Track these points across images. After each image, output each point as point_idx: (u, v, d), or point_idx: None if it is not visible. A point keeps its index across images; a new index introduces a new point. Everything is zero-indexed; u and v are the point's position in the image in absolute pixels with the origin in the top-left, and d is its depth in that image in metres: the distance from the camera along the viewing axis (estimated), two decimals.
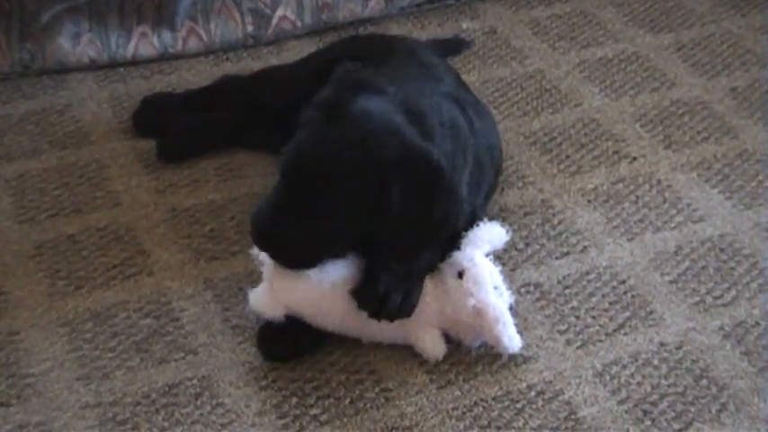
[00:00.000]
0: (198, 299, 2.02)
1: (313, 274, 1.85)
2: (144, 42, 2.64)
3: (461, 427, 1.80)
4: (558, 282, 2.06)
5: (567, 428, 1.79)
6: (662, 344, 1.94)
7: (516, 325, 1.88)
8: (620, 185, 2.29)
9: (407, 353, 1.90)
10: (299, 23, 2.75)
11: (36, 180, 2.31)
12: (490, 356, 1.90)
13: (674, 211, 2.22)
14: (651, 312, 2.00)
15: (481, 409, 1.82)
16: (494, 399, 1.84)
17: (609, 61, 2.67)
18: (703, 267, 2.09)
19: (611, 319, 1.99)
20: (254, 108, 2.34)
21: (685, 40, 2.75)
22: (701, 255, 2.12)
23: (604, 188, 2.28)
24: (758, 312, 2.00)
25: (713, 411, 1.82)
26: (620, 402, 1.83)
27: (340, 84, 1.88)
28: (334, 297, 1.86)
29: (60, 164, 2.35)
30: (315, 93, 2.00)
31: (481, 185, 2.03)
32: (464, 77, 2.38)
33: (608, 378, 1.88)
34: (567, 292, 2.04)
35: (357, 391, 1.85)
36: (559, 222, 2.19)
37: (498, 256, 1.99)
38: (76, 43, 2.60)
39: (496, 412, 1.82)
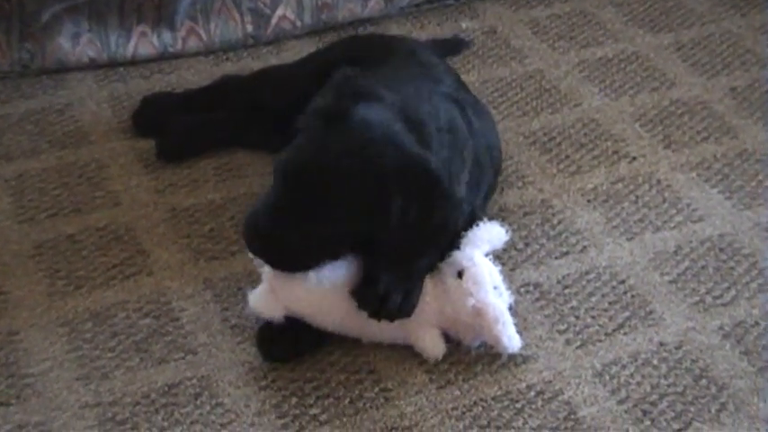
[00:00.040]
0: (197, 299, 2.02)
1: (312, 274, 1.85)
2: (144, 42, 2.64)
3: (461, 426, 1.80)
4: (558, 281, 2.06)
5: (566, 428, 1.79)
6: (661, 344, 1.94)
7: (516, 325, 1.88)
8: (620, 185, 2.29)
9: (407, 353, 1.90)
10: (298, 23, 2.75)
11: (35, 180, 2.31)
12: (490, 356, 1.90)
13: (674, 211, 2.22)
14: (651, 312, 2.00)
15: (481, 408, 1.82)
16: (493, 398, 1.84)
17: (608, 61, 2.67)
18: (703, 267, 2.09)
19: (610, 318, 1.99)
20: (254, 108, 2.34)
21: (685, 39, 2.75)
22: (700, 254, 2.12)
23: (604, 188, 2.28)
24: (758, 312, 2.00)
25: (713, 411, 1.82)
26: (620, 402, 1.83)
27: (339, 91, 1.88)
28: (334, 297, 1.86)
29: (60, 163, 2.35)
30: (314, 93, 2.01)
31: (480, 186, 2.03)
32: (464, 77, 2.38)
33: (607, 378, 1.88)
34: (566, 291, 2.04)
35: (357, 391, 1.85)
36: (559, 222, 2.19)
37: (498, 256, 1.99)
38: (76, 43, 2.60)
39: (496, 412, 1.82)
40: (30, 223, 2.20)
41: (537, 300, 2.02)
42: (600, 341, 1.94)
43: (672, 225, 2.19)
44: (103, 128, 2.45)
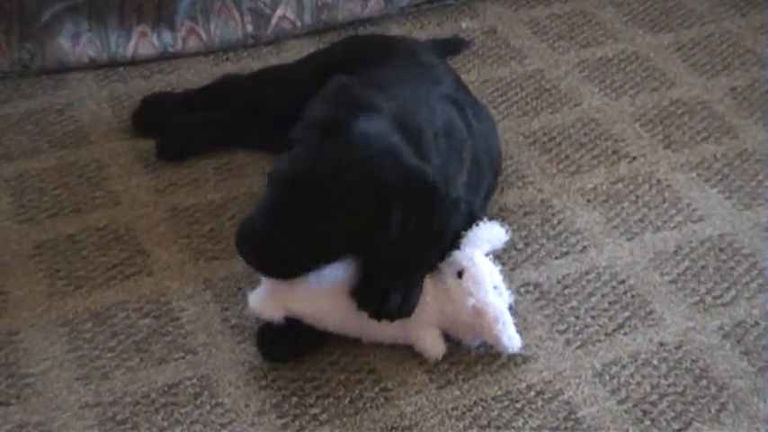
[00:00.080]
0: (197, 298, 2.02)
1: (312, 275, 1.85)
2: (144, 42, 2.64)
3: (461, 426, 1.80)
4: (558, 281, 2.06)
5: (566, 428, 1.79)
6: (661, 344, 1.94)
7: (516, 325, 1.88)
8: (620, 185, 2.29)
9: (407, 353, 1.90)
10: (298, 23, 2.75)
11: (35, 180, 2.31)
12: (490, 356, 1.90)
13: (674, 211, 2.22)
14: (651, 312, 2.00)
15: (481, 408, 1.82)
16: (493, 398, 1.84)
17: (608, 61, 2.67)
18: (703, 267, 2.09)
19: (610, 318, 1.99)
20: (254, 108, 2.34)
21: (685, 39, 2.75)
22: (700, 254, 2.12)
23: (604, 188, 2.28)
24: (758, 312, 2.00)
25: (713, 411, 1.82)
26: (620, 402, 1.83)
27: (337, 101, 1.87)
28: (334, 298, 1.86)
29: (60, 163, 2.35)
30: (314, 93, 2.01)
31: (480, 186, 2.03)
32: (464, 77, 2.38)
33: (607, 378, 1.88)
34: (566, 291, 2.04)
35: (357, 391, 1.85)
36: (559, 222, 2.19)
37: (498, 256, 1.99)
38: (76, 43, 2.60)
39: (496, 412, 1.82)
40: (30, 223, 2.20)
41: (537, 300, 2.02)
42: (600, 341, 1.94)
43: (672, 225, 2.19)
44: (103, 128, 2.45)
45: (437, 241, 1.85)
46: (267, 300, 1.86)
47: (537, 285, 2.05)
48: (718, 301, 2.02)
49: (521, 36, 2.77)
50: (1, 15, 2.55)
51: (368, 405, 1.83)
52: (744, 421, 1.80)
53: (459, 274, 1.87)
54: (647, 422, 1.80)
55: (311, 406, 1.83)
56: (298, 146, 1.83)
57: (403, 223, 1.78)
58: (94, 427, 1.80)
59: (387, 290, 1.82)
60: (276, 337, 1.88)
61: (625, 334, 1.96)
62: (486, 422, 1.80)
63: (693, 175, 2.31)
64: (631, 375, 1.88)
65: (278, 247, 1.80)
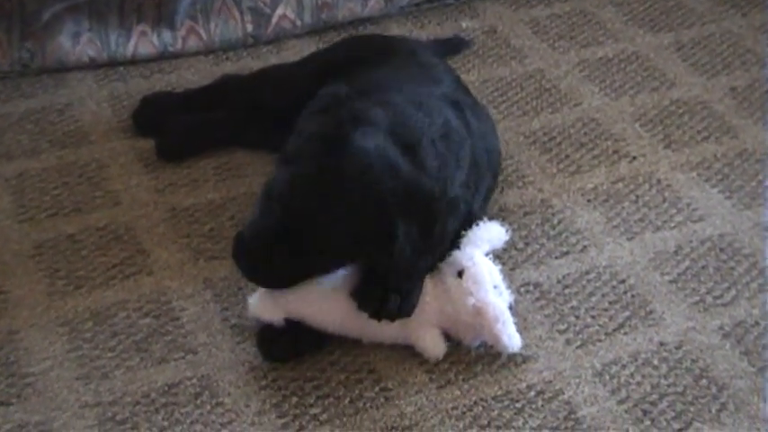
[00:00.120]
0: (197, 298, 2.02)
1: None
2: (144, 41, 2.64)
3: (461, 426, 1.80)
4: (558, 281, 2.06)
5: (566, 428, 1.79)
6: (662, 343, 1.94)
7: (516, 324, 1.88)
8: (620, 185, 2.29)
9: (407, 353, 1.90)
10: (298, 23, 2.75)
11: (36, 179, 2.31)
12: (490, 356, 1.90)
13: (674, 211, 2.22)
14: (651, 312, 2.00)
15: (481, 408, 1.82)
16: (493, 398, 1.84)
17: (609, 61, 2.67)
18: (703, 267, 2.09)
19: (610, 318, 1.99)
20: (254, 108, 2.34)
21: (685, 39, 2.75)
22: (700, 254, 2.12)
23: (604, 188, 2.28)
24: (758, 312, 2.00)
25: (713, 411, 1.82)
26: (620, 402, 1.83)
27: (331, 115, 1.87)
28: (334, 298, 1.86)
29: (60, 163, 2.35)
30: (314, 93, 2.01)
31: (479, 187, 2.03)
32: (464, 77, 2.38)
33: (607, 378, 1.88)
34: (566, 291, 2.04)
35: (357, 391, 1.85)
36: (559, 222, 2.19)
37: (498, 256, 1.99)
38: (76, 42, 2.60)
39: (496, 412, 1.82)
40: (30, 223, 2.20)
41: (537, 299, 2.02)
42: (600, 341, 1.94)
43: (672, 225, 2.19)
44: (103, 127, 2.45)
45: (437, 245, 1.85)
46: (267, 302, 1.86)
47: (537, 285, 2.05)
48: (719, 301, 2.02)
49: (521, 36, 2.77)
50: (1, 15, 2.55)
51: (368, 405, 1.83)
52: (744, 421, 1.80)
53: (460, 274, 1.87)
54: (648, 422, 1.80)
55: (311, 406, 1.83)
56: (295, 162, 1.82)
57: (405, 234, 1.79)
58: (94, 426, 1.80)
59: (386, 290, 1.82)
60: (276, 337, 1.88)
61: (625, 334, 1.95)
62: (486, 422, 1.80)
63: (694, 174, 2.31)
64: (631, 375, 1.88)
65: (276, 262, 1.81)
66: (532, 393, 1.85)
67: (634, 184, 2.29)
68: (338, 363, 1.90)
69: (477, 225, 1.93)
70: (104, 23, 2.62)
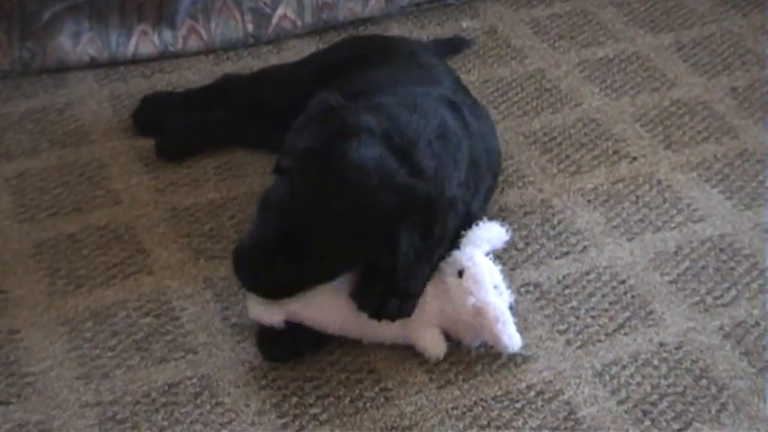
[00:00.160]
0: (198, 298, 2.02)
1: None
2: (144, 41, 2.64)
3: (461, 426, 1.80)
4: (558, 281, 2.06)
5: (566, 428, 1.79)
6: (662, 344, 1.94)
7: (516, 325, 1.88)
8: (620, 185, 2.29)
9: (407, 353, 1.90)
10: (299, 23, 2.75)
11: (36, 179, 2.31)
12: (490, 356, 1.90)
13: (674, 211, 2.22)
14: (651, 312, 2.00)
15: (481, 408, 1.82)
16: (493, 398, 1.84)
17: (609, 61, 2.67)
18: (703, 267, 2.09)
19: (610, 319, 1.99)
20: (254, 107, 2.34)
21: (686, 39, 2.75)
22: (701, 255, 2.12)
23: (604, 188, 2.28)
24: (758, 312, 2.00)
25: (713, 411, 1.82)
26: (620, 402, 1.83)
27: (325, 127, 1.87)
28: (334, 299, 1.86)
29: (60, 162, 2.35)
30: (314, 93, 2.01)
31: (479, 187, 2.03)
32: (464, 77, 2.39)
33: (608, 378, 1.88)
34: (566, 291, 2.04)
35: (357, 391, 1.85)
36: (559, 222, 2.19)
37: (498, 256, 1.99)
38: (77, 42, 2.60)
39: (496, 412, 1.82)
40: (30, 222, 2.20)
41: (537, 300, 2.02)
42: (600, 341, 1.94)
43: (672, 225, 2.19)
44: (104, 127, 2.45)
45: (437, 246, 1.85)
46: (267, 304, 1.86)
47: (537, 285, 2.05)
48: (719, 302, 2.02)
49: (521, 36, 2.77)
50: (1, 14, 2.55)
51: (368, 405, 1.83)
52: (744, 422, 1.80)
53: (460, 274, 1.87)
54: (648, 422, 1.80)
55: (311, 406, 1.83)
56: (291, 176, 1.82)
57: (407, 240, 1.79)
58: (95, 426, 1.80)
59: (386, 290, 1.82)
60: (276, 337, 1.88)
61: (625, 334, 1.95)
62: (486, 422, 1.80)
63: (694, 175, 2.31)
64: (631, 375, 1.88)
65: (275, 276, 1.81)
66: (532, 393, 1.85)
67: (634, 184, 2.29)
68: (338, 363, 1.90)
69: (478, 225, 1.92)
70: (105, 23, 2.62)
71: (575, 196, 2.26)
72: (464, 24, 2.80)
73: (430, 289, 1.87)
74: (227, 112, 2.37)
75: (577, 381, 1.87)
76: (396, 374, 1.88)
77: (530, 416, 1.81)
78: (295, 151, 1.84)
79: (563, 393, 1.85)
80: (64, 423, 1.80)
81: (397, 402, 1.83)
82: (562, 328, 1.97)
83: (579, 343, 1.94)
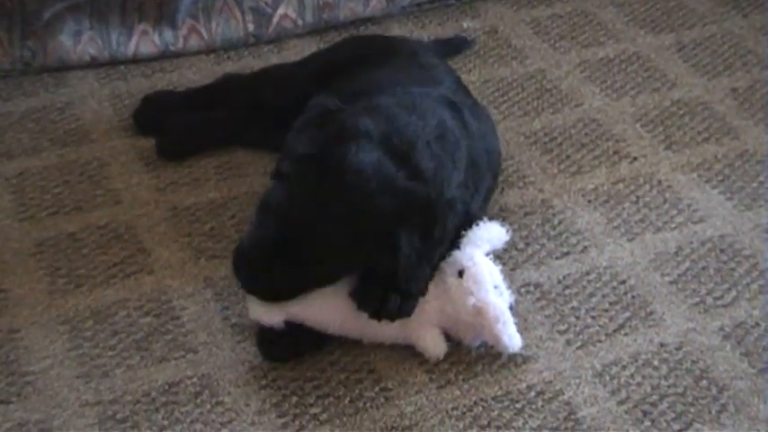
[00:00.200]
0: (198, 297, 2.02)
1: None
2: (145, 40, 2.64)
3: (461, 426, 1.80)
4: (558, 282, 2.06)
5: (566, 429, 1.79)
6: (662, 344, 1.94)
7: (516, 325, 1.88)
8: (621, 186, 2.29)
9: (407, 353, 1.90)
10: (300, 22, 2.75)
11: (36, 178, 2.31)
12: (490, 356, 1.90)
13: (675, 212, 2.22)
14: (651, 313, 2.00)
15: (481, 408, 1.82)
16: (493, 399, 1.84)
17: (610, 61, 2.67)
18: (704, 268, 2.09)
19: (611, 319, 1.99)
20: (255, 107, 2.34)
21: (686, 40, 2.75)
22: (701, 255, 2.12)
23: (605, 188, 2.28)
24: (758, 313, 2.00)
25: (713, 412, 1.82)
26: (620, 403, 1.83)
27: (324, 132, 1.87)
28: (334, 299, 1.86)
29: (61, 162, 2.35)
30: (315, 93, 2.00)
31: (479, 187, 2.03)
32: (465, 77, 2.39)
33: (608, 378, 1.88)
34: (567, 292, 2.04)
35: (357, 391, 1.85)
36: (559, 222, 2.19)
37: (498, 256, 1.99)
38: (77, 41, 2.60)
39: (496, 412, 1.82)
40: (30, 221, 2.20)
41: (537, 300, 2.02)
42: (600, 342, 1.94)
43: (672, 226, 2.19)
44: (104, 126, 2.45)
45: (437, 246, 1.85)
46: (267, 305, 1.86)
47: (537, 285, 2.05)
48: (719, 302, 2.02)
49: (522, 36, 2.77)
50: (2, 13, 2.55)
51: (368, 405, 1.83)
52: (744, 422, 1.80)
53: (460, 274, 1.87)
54: (648, 423, 1.80)
55: (311, 405, 1.83)
56: (290, 181, 1.82)
57: (408, 242, 1.79)
58: (95, 425, 1.80)
59: (386, 290, 1.82)
60: (276, 337, 1.88)
61: (625, 334, 1.95)
62: (486, 422, 1.80)
63: (694, 175, 2.31)
64: (632, 376, 1.88)
65: (275, 279, 1.81)
66: (532, 394, 1.85)
67: (635, 184, 2.29)
68: (338, 363, 1.90)
69: (478, 225, 1.92)
70: (105, 22, 2.62)
71: (575, 196, 2.26)
72: (465, 24, 2.80)
73: (430, 289, 1.87)
74: (227, 112, 2.37)
75: (577, 381, 1.87)
76: (396, 374, 1.88)
77: (530, 416, 1.81)
78: (294, 155, 1.84)
79: (563, 394, 1.85)
80: (64, 422, 1.80)
81: (397, 402, 1.83)
82: (562, 328, 1.97)
83: (579, 343, 1.94)
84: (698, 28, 2.80)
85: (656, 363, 1.90)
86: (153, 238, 2.15)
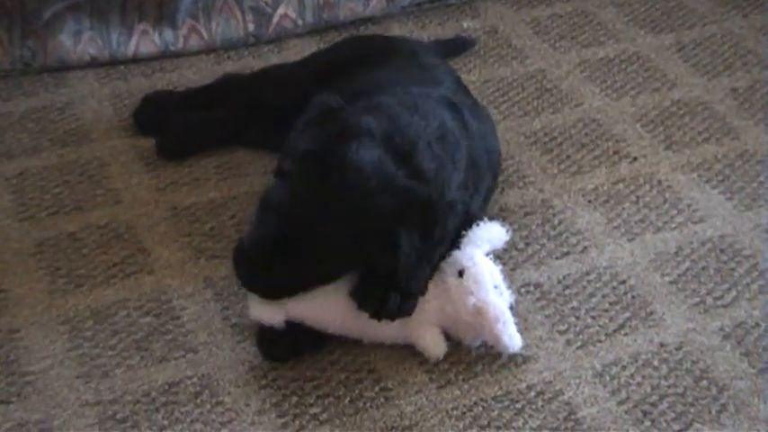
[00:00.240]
0: (198, 297, 2.02)
1: None
2: (145, 40, 2.64)
3: (461, 426, 1.80)
4: (559, 282, 2.06)
5: (566, 429, 1.79)
6: (662, 344, 1.94)
7: (516, 325, 1.88)
8: (621, 186, 2.29)
9: (407, 352, 1.90)
10: (300, 22, 2.75)
11: (36, 178, 2.31)
12: (490, 356, 1.90)
13: (675, 212, 2.22)
14: (651, 313, 2.00)
15: (481, 408, 1.82)
16: (493, 399, 1.84)
17: (610, 61, 2.67)
18: (704, 268, 2.09)
19: (611, 319, 1.99)
20: (255, 107, 2.34)
21: (686, 40, 2.75)
22: (701, 255, 2.12)
23: (605, 188, 2.28)
24: (758, 313, 2.00)
25: (713, 412, 1.82)
26: (620, 403, 1.83)
27: (325, 130, 1.87)
28: (334, 299, 1.86)
29: (61, 162, 2.35)
30: (315, 93, 2.00)
31: (479, 187, 2.03)
32: (465, 77, 2.39)
33: (608, 378, 1.88)
34: (567, 292, 2.04)
35: (357, 391, 1.85)
36: (560, 222, 2.19)
37: (498, 256, 1.99)
38: (78, 41, 2.60)
39: (496, 412, 1.82)
40: (30, 221, 2.20)
41: (537, 300, 2.02)
42: (600, 342, 1.94)
43: (672, 226, 2.19)
44: (105, 126, 2.45)
45: (438, 246, 1.85)
46: (268, 304, 1.86)
47: (537, 285, 2.05)
48: (719, 302, 2.02)
49: (522, 36, 2.77)
50: (2, 13, 2.55)
51: (368, 405, 1.83)
52: (744, 422, 1.80)
53: (460, 274, 1.87)
54: (648, 423, 1.80)
55: (311, 405, 1.83)
56: (291, 179, 1.82)
57: (408, 241, 1.79)
58: (95, 425, 1.80)
59: (386, 290, 1.82)
60: (276, 337, 1.88)
61: (625, 335, 1.96)
62: (486, 422, 1.80)
63: (694, 175, 2.31)
64: (632, 376, 1.88)
65: (275, 277, 1.81)
66: (532, 394, 1.85)
67: (635, 184, 2.29)
68: (338, 362, 1.90)
69: (478, 225, 1.93)
70: (106, 22, 2.62)
71: (575, 196, 2.26)
72: (465, 24, 2.80)
73: (430, 288, 1.87)
74: (227, 112, 2.37)
75: (577, 381, 1.87)
76: (396, 374, 1.88)
77: (530, 416, 1.81)
78: (295, 153, 1.84)
79: (563, 394, 1.85)
80: (64, 422, 1.80)
81: (397, 402, 1.83)
82: (562, 328, 1.97)
83: (579, 343, 1.94)
84: (698, 28, 2.80)
85: (656, 363, 1.90)
86: (153, 237, 2.15)
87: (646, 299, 2.02)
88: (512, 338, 1.86)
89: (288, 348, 1.89)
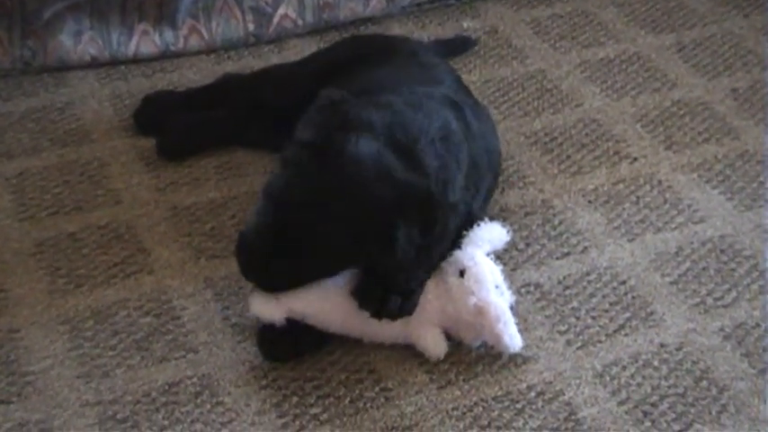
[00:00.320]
0: (198, 297, 2.02)
1: None
2: (145, 40, 2.64)
3: (461, 426, 1.80)
4: (559, 282, 2.06)
5: (566, 429, 1.79)
6: (662, 345, 1.94)
7: (516, 325, 1.88)
8: (621, 186, 2.29)
9: (407, 353, 1.90)
10: (300, 22, 2.75)
11: (37, 178, 2.31)
12: (490, 356, 1.90)
13: (675, 212, 2.22)
14: (651, 313, 2.00)
15: (481, 409, 1.82)
16: (494, 399, 1.84)
17: (610, 61, 2.67)
18: (704, 268, 2.09)
19: (611, 319, 1.99)
20: (255, 107, 2.34)
21: (687, 40, 2.75)
22: (701, 256, 2.12)
23: (605, 189, 2.28)
24: (759, 314, 2.00)
25: (713, 413, 1.82)
26: (621, 403, 1.83)
27: (327, 122, 1.87)
28: (335, 298, 1.86)
29: (61, 162, 2.35)
30: (316, 92, 2.01)
31: (479, 187, 2.03)
32: (465, 77, 2.39)
33: (608, 379, 1.88)
34: (567, 292, 2.04)
35: (357, 391, 1.85)
36: (560, 223, 2.19)
37: (499, 256, 1.99)
38: (78, 41, 2.60)
39: (496, 412, 1.82)
40: (31, 221, 2.20)
41: (538, 300, 2.02)
42: (600, 342, 1.94)
43: (673, 226, 2.19)
44: (105, 126, 2.45)
45: (438, 245, 1.85)
46: (268, 302, 1.86)
47: (538, 286, 2.05)
48: (719, 303, 2.02)
49: (522, 36, 2.77)
50: (2, 13, 2.55)
51: (368, 405, 1.83)
52: (744, 423, 1.80)
53: (461, 274, 1.87)
54: (648, 423, 1.80)
55: (311, 405, 1.83)
56: (291, 169, 1.82)
57: (406, 235, 1.79)
58: (95, 425, 1.80)
59: (387, 289, 1.82)
60: (276, 337, 1.88)
61: (626, 335, 1.96)
62: (486, 422, 1.80)
63: (694, 176, 2.31)
64: (632, 376, 1.88)
65: (276, 268, 1.81)
66: (533, 394, 1.85)
67: (635, 185, 2.29)
68: (338, 362, 1.90)
69: (479, 225, 1.93)
70: (106, 22, 2.62)
71: (575, 197, 2.26)
72: (465, 24, 2.80)
73: (431, 288, 1.87)
74: (227, 112, 2.38)
75: (578, 381, 1.87)
76: (396, 374, 1.88)
77: (530, 416, 1.81)
78: (297, 144, 1.85)
79: (563, 394, 1.85)
80: (64, 422, 1.80)
81: (397, 402, 1.83)
82: (563, 328, 1.97)
83: (580, 344, 1.94)
84: (698, 28, 2.80)
85: (656, 363, 1.90)
86: (153, 237, 2.15)
87: (646, 299, 2.02)
88: (512, 338, 1.86)
89: (288, 348, 1.89)
